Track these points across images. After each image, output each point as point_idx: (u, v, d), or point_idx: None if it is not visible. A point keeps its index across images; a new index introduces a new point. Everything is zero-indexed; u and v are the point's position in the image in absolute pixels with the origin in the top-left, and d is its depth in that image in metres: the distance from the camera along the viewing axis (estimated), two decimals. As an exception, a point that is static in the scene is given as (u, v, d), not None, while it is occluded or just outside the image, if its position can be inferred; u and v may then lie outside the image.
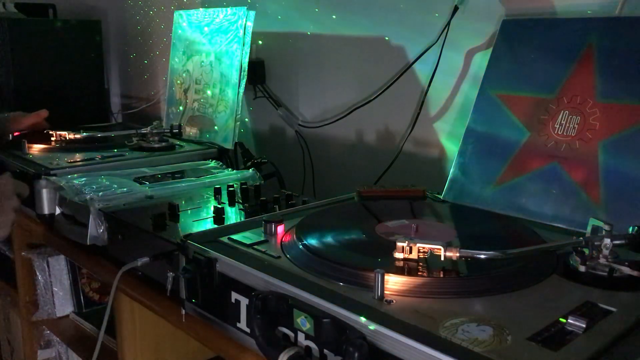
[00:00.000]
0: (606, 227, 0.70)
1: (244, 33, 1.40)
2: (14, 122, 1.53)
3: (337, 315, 0.60)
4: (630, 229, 0.72)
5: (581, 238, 0.71)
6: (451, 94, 1.18)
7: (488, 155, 1.00)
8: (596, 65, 0.92)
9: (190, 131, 1.55)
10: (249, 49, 1.41)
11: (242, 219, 0.99)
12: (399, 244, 0.69)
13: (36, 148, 1.44)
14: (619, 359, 0.54)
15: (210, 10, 1.50)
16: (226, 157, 1.45)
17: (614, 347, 0.55)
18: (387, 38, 1.28)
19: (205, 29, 1.52)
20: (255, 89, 1.55)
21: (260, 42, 1.56)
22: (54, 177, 1.20)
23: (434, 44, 1.17)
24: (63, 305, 1.46)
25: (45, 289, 1.44)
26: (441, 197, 1.03)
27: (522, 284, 0.67)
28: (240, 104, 1.42)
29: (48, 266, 1.44)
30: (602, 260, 0.69)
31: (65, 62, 1.89)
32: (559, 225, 0.89)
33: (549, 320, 0.58)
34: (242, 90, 1.41)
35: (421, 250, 0.68)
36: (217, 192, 1.11)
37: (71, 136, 1.50)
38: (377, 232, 0.81)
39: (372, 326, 0.57)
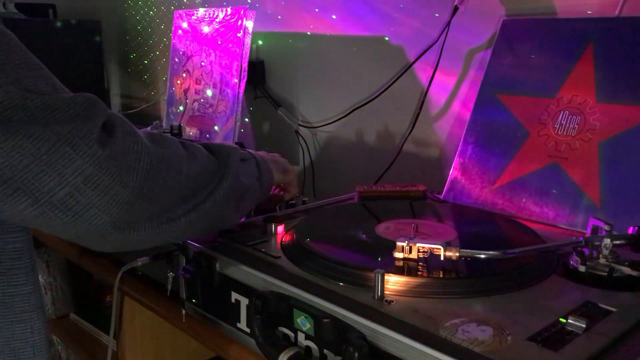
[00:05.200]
0: (606, 227, 0.70)
1: (244, 33, 1.40)
2: None
3: (337, 315, 0.60)
4: (631, 229, 0.72)
5: (581, 238, 0.71)
6: (451, 94, 1.18)
7: (488, 155, 1.00)
8: (596, 65, 0.92)
9: (190, 131, 1.55)
10: (249, 49, 1.41)
11: (243, 219, 0.99)
12: (399, 244, 0.69)
13: (36, 148, 1.44)
14: (619, 359, 0.54)
15: (210, 10, 1.50)
16: (226, 157, 1.45)
17: (614, 347, 0.55)
18: (387, 38, 1.28)
19: (205, 28, 1.52)
20: (255, 89, 1.55)
21: (260, 42, 1.56)
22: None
23: (434, 44, 1.17)
24: (63, 305, 1.46)
25: (45, 289, 1.44)
26: (441, 197, 1.03)
27: (522, 284, 0.67)
28: (240, 104, 1.42)
29: (48, 266, 1.44)
30: (602, 260, 0.69)
31: (65, 62, 1.89)
32: (559, 225, 0.89)
33: (549, 320, 0.58)
34: (242, 90, 1.41)
35: (421, 250, 0.68)
36: (217, 192, 1.11)
37: (71, 136, 1.50)
38: (377, 232, 0.81)
39: (372, 326, 0.57)
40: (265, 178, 0.82)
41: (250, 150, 0.84)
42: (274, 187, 0.91)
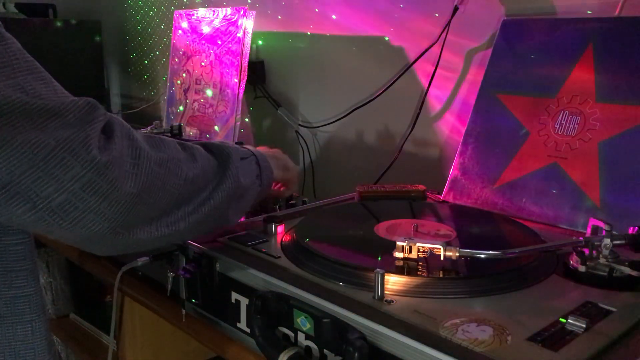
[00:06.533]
0: (606, 227, 0.70)
1: (244, 33, 1.40)
2: None
3: (337, 315, 0.60)
4: (631, 229, 0.72)
5: (581, 238, 0.71)
6: (451, 94, 1.18)
7: (488, 155, 1.00)
8: (596, 65, 0.92)
9: (190, 131, 1.55)
10: (249, 49, 1.41)
11: (243, 219, 0.99)
12: (399, 244, 0.69)
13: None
14: (618, 359, 0.54)
15: (210, 10, 1.50)
16: (226, 157, 1.44)
17: (614, 347, 0.55)
18: (387, 38, 1.28)
19: (205, 28, 1.52)
20: (255, 89, 1.55)
21: (260, 42, 1.56)
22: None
23: (434, 44, 1.17)
24: (63, 305, 1.46)
25: (45, 289, 1.44)
26: (441, 197, 1.03)
27: (522, 284, 0.67)
28: (240, 104, 1.42)
29: (48, 266, 1.44)
30: (602, 260, 0.69)
31: (65, 62, 1.89)
32: (559, 225, 0.89)
33: (549, 320, 0.58)
34: (242, 90, 1.41)
35: (421, 250, 0.68)
36: (217, 192, 1.11)
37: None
38: (377, 232, 0.81)
39: (372, 326, 0.57)
40: (265, 175, 0.82)
41: (250, 147, 0.83)
42: (274, 183, 0.91)
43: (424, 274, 0.67)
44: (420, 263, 0.69)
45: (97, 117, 0.57)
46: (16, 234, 0.65)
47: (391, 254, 0.69)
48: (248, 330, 0.73)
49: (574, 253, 0.70)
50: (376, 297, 0.62)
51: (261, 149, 0.87)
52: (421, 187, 1.06)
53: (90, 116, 0.56)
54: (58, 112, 0.54)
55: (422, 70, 1.22)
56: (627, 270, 0.67)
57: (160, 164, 0.62)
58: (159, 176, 0.62)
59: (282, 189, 0.95)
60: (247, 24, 1.40)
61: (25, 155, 0.52)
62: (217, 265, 0.76)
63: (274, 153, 0.90)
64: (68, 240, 0.60)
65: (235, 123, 1.42)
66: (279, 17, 1.50)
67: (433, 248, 0.67)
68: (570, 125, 0.92)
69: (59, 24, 1.92)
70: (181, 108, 1.61)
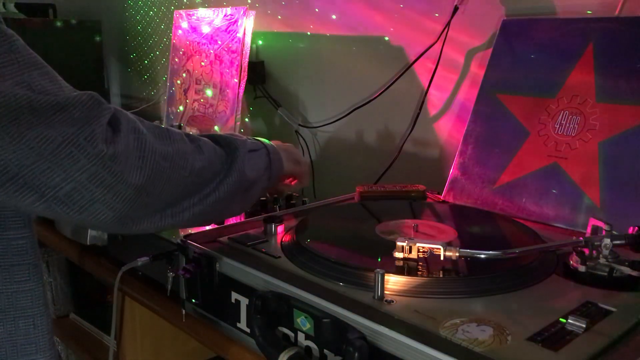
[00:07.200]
0: (606, 227, 0.70)
1: (244, 33, 1.40)
2: None
3: (337, 315, 0.60)
4: (631, 229, 0.72)
5: (581, 238, 0.71)
6: (451, 94, 1.18)
7: (488, 155, 1.00)
8: (596, 65, 0.92)
9: (190, 131, 1.55)
10: (249, 49, 1.41)
11: (242, 219, 0.99)
12: (399, 244, 0.69)
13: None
14: (618, 359, 0.54)
15: (210, 10, 1.50)
16: (226, 157, 1.45)
17: (614, 347, 0.55)
18: (387, 38, 1.28)
19: (205, 28, 1.52)
20: (255, 89, 1.55)
21: (260, 42, 1.56)
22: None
23: (434, 44, 1.17)
24: (63, 305, 1.46)
25: (45, 289, 1.44)
26: (441, 197, 1.04)
27: (522, 284, 0.67)
28: (240, 104, 1.42)
29: (48, 266, 1.44)
30: (602, 260, 0.69)
31: (65, 62, 1.89)
32: (559, 225, 0.89)
33: (549, 320, 0.58)
34: (242, 90, 1.41)
35: (421, 250, 0.68)
36: (217, 192, 1.11)
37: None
38: (377, 232, 0.81)
39: (372, 326, 0.57)
40: (275, 167, 0.81)
41: (262, 140, 0.83)
42: (285, 176, 0.90)
43: (424, 274, 0.67)
44: (420, 263, 0.69)
45: (102, 112, 0.58)
46: (18, 228, 0.66)
47: (391, 254, 0.69)
48: (248, 330, 0.73)
49: (574, 253, 0.70)
50: (376, 297, 0.62)
51: (274, 143, 0.87)
52: (421, 187, 1.06)
53: (95, 111, 0.57)
54: (64, 107, 0.55)
55: (422, 70, 1.22)
56: (627, 270, 0.67)
57: (166, 157, 0.63)
58: (164, 169, 0.63)
59: (293, 182, 0.94)
60: (247, 24, 1.40)
61: (34, 150, 0.53)
62: (217, 265, 0.76)
63: (286, 147, 0.89)
64: (77, 224, 0.63)
65: (235, 123, 1.42)
66: (279, 17, 1.50)
67: (433, 248, 0.67)
68: (570, 125, 0.92)
69: (59, 24, 1.92)
70: (181, 108, 1.61)
